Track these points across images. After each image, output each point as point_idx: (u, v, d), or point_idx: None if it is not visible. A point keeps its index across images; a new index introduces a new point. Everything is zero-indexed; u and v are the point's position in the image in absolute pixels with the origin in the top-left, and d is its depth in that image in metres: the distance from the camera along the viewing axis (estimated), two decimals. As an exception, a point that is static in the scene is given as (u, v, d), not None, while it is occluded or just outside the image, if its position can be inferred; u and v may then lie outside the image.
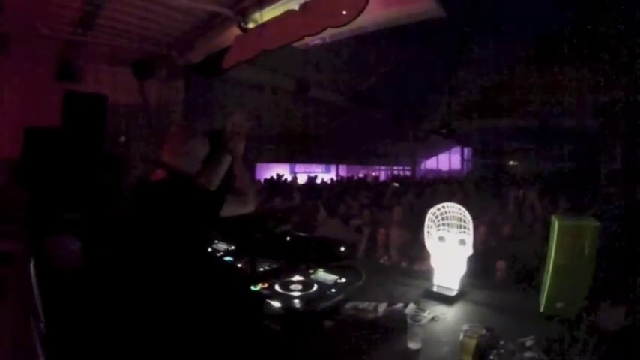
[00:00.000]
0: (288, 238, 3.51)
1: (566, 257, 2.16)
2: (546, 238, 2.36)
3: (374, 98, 12.13)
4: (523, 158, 18.55)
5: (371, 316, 2.15)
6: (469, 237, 2.47)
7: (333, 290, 2.43)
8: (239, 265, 2.94)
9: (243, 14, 4.56)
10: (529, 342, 1.79)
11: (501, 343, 1.77)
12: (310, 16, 3.79)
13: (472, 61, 11.99)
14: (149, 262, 2.12)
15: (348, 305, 2.29)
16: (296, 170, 15.87)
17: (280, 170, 13.93)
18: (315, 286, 2.45)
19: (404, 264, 4.01)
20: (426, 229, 2.65)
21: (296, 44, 4.16)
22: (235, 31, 4.70)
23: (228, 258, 3.16)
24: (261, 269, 2.83)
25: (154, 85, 6.68)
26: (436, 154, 22.39)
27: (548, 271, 2.22)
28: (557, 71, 10.75)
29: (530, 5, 9.24)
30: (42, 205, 3.43)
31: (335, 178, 15.48)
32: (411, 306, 2.25)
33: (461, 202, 2.67)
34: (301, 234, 3.69)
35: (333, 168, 18.40)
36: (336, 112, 12.41)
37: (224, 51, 5.05)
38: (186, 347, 1.97)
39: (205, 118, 8.32)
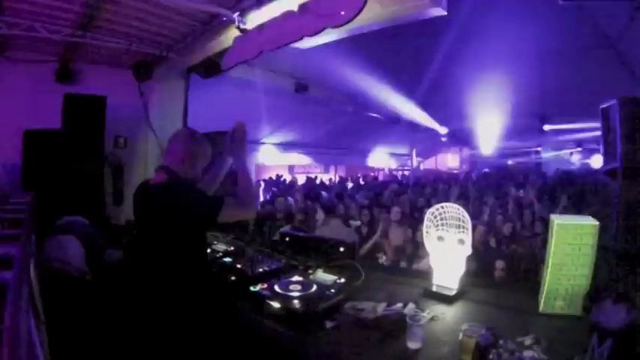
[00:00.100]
0: (287, 239, 3.52)
1: (565, 256, 2.17)
2: (545, 238, 2.37)
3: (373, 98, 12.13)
4: (522, 157, 18.61)
5: (370, 316, 2.15)
6: (468, 237, 2.48)
7: (333, 290, 2.44)
8: (238, 266, 2.95)
9: (242, 15, 4.56)
10: (528, 341, 1.80)
11: (501, 342, 1.77)
12: (309, 17, 3.80)
13: (471, 59, 12.00)
14: (148, 265, 2.13)
15: (348, 305, 2.29)
16: (295, 170, 15.87)
17: (280, 170, 13.95)
18: (315, 287, 2.46)
19: (403, 264, 4.02)
20: (424, 229, 2.66)
21: (295, 44, 4.16)
22: (234, 32, 4.70)
23: (227, 259, 3.17)
24: (261, 270, 2.84)
25: (153, 87, 6.68)
26: (435, 154, 22.41)
27: (547, 270, 2.23)
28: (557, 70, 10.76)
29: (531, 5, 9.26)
30: (43, 208, 3.43)
31: (334, 178, 15.50)
32: (411, 306, 2.26)
33: (459, 202, 2.68)
34: (301, 234, 3.69)
35: (332, 168, 18.41)
36: (335, 112, 12.41)
37: (223, 52, 5.06)
38: (186, 348, 1.97)
39: (205, 119, 8.34)
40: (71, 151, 5.14)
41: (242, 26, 4.55)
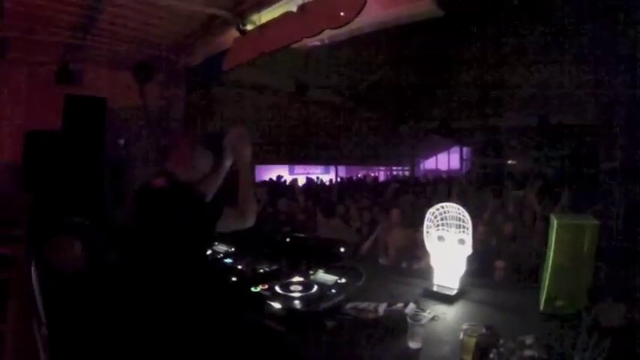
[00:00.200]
0: (288, 240, 3.52)
1: (566, 256, 2.17)
2: (546, 237, 2.36)
3: (373, 98, 12.13)
4: (522, 156, 18.57)
5: (371, 316, 2.16)
6: (468, 236, 2.48)
7: (334, 291, 2.44)
8: (239, 267, 2.95)
9: (242, 16, 4.57)
10: (529, 340, 1.80)
11: (501, 341, 1.77)
12: (308, 18, 3.81)
13: (470, 58, 12.02)
14: (148, 267, 2.13)
15: (349, 306, 2.29)
16: (295, 171, 15.86)
17: (280, 171, 13.94)
18: (316, 287, 2.46)
19: (404, 264, 4.02)
20: (425, 229, 2.66)
21: (294, 46, 4.17)
22: (234, 34, 4.71)
23: (228, 260, 3.17)
24: (262, 270, 2.84)
25: (153, 89, 6.69)
26: (435, 154, 22.36)
27: (547, 269, 2.23)
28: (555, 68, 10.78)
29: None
30: (43, 208, 3.43)
31: (334, 179, 15.49)
32: (411, 306, 2.26)
33: (459, 202, 2.68)
34: (302, 235, 3.70)
35: (333, 169, 18.39)
36: (335, 112, 12.42)
37: (223, 53, 5.07)
38: (186, 349, 1.97)
39: (205, 120, 8.36)
40: (71, 152, 5.15)
41: (242, 27, 4.56)
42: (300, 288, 2.45)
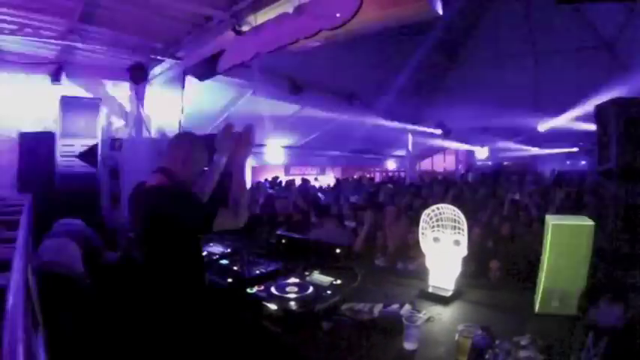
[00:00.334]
0: (283, 241, 3.53)
1: (561, 257, 2.18)
2: (541, 238, 2.37)
3: (370, 98, 12.13)
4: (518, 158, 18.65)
5: (367, 317, 2.16)
6: (463, 238, 2.49)
7: (329, 292, 2.45)
8: (235, 268, 2.95)
9: (238, 17, 4.56)
10: (524, 341, 1.81)
11: (497, 342, 1.78)
12: (304, 19, 3.81)
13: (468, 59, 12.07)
14: (145, 267, 2.13)
15: (344, 307, 2.30)
16: (291, 172, 15.84)
17: (276, 171, 13.93)
18: (311, 288, 2.46)
19: (399, 265, 4.02)
20: (420, 230, 2.67)
21: (290, 46, 4.17)
22: (230, 34, 4.71)
23: (224, 261, 3.17)
24: (257, 272, 2.85)
25: (149, 89, 6.68)
26: (431, 155, 22.39)
27: (542, 270, 2.24)
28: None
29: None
30: (40, 210, 3.42)
31: (330, 180, 15.50)
32: (407, 307, 2.27)
33: (454, 203, 2.69)
34: (297, 236, 3.70)
35: (329, 169, 18.39)
36: (331, 112, 12.40)
37: (219, 54, 5.06)
38: (183, 350, 1.97)
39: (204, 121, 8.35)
40: (67, 153, 5.14)
41: (238, 28, 4.56)
42: (295, 289, 2.45)
